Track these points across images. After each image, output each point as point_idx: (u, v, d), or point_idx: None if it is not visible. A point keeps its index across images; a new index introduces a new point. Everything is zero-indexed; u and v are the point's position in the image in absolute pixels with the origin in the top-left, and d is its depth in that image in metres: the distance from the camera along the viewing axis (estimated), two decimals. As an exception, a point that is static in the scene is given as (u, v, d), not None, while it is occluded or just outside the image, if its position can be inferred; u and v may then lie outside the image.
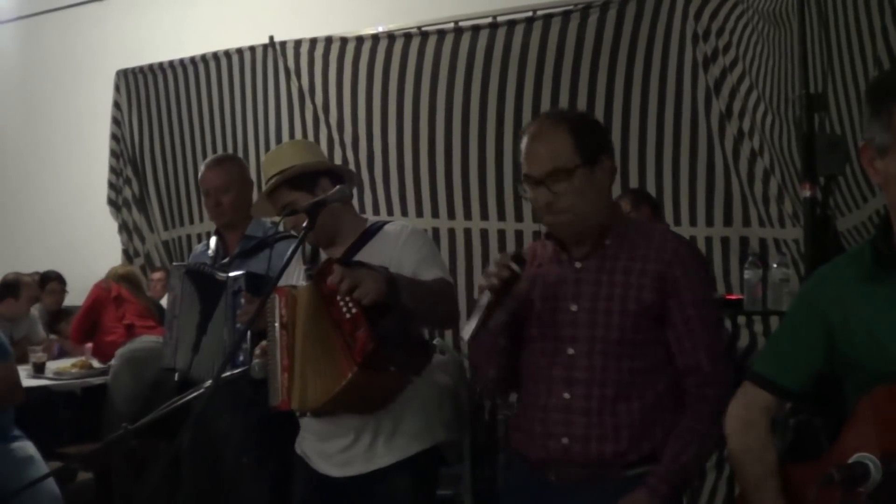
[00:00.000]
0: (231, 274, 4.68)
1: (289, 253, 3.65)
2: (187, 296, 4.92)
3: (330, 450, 3.92)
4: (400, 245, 3.86)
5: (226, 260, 4.97)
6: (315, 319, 3.58)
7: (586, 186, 3.17)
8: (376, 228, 4.00)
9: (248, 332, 4.34)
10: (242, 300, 4.59)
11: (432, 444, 3.94)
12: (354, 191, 4.61)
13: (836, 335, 2.68)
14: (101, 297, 8.21)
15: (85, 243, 10.69)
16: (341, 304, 3.47)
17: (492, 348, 3.36)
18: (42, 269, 10.28)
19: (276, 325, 3.66)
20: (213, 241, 5.13)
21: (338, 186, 3.87)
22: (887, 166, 2.53)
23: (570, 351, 3.20)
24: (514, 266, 3.12)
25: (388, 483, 3.84)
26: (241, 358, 4.54)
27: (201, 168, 5.19)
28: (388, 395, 3.75)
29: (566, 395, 3.19)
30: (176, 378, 5.01)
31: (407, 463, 3.85)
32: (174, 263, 5.33)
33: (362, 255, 3.87)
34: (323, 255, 4.03)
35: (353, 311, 3.45)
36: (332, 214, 3.88)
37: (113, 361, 7.78)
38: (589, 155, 3.18)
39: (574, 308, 3.23)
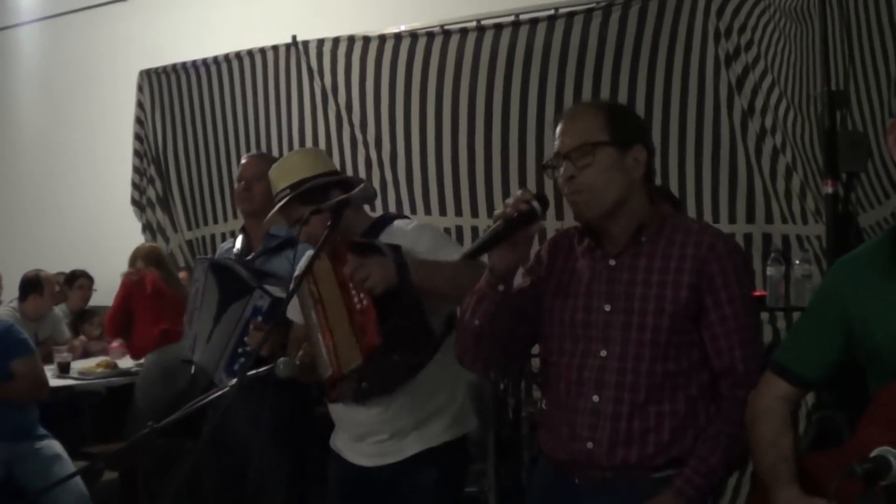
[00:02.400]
0: (262, 286, 4.71)
1: (304, 259, 3.71)
2: (209, 288, 4.96)
3: (364, 442, 3.97)
4: (410, 237, 3.86)
5: (250, 257, 5.00)
6: (336, 293, 3.64)
7: (612, 168, 3.08)
8: (385, 222, 4.03)
9: (242, 349, 4.47)
10: (259, 318, 4.64)
11: (459, 435, 3.97)
12: (378, 190, 4.61)
13: (855, 326, 2.70)
14: (132, 289, 8.16)
15: (108, 243, 10.71)
16: (353, 292, 3.53)
17: (490, 304, 3.13)
18: (66, 269, 10.32)
19: (311, 304, 3.73)
20: (238, 238, 5.18)
21: (361, 185, 3.91)
22: None
23: (603, 353, 3.10)
24: (535, 204, 3.00)
25: (415, 474, 3.87)
26: (236, 367, 4.62)
27: (242, 160, 5.27)
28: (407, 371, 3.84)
29: (595, 399, 3.09)
30: (192, 370, 5.07)
31: (434, 454, 3.88)
32: (198, 256, 5.35)
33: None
34: None
35: (364, 302, 3.50)
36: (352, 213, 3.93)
37: (144, 364, 7.78)
38: (620, 137, 3.10)
39: (608, 308, 3.12)
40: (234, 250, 5.14)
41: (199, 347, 4.96)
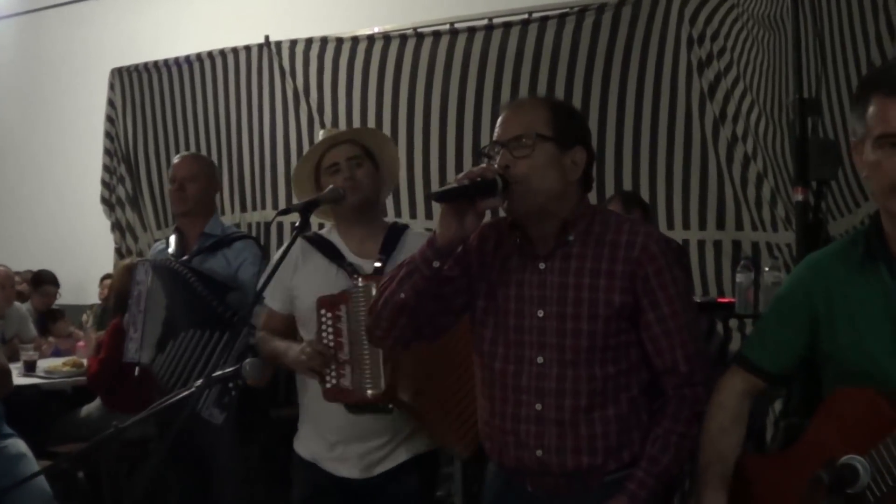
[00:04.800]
0: (248, 322, 4.61)
1: (278, 254, 3.65)
2: (154, 292, 4.94)
3: (349, 453, 3.91)
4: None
5: (185, 257, 5.00)
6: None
7: (548, 165, 3.00)
8: (399, 231, 4.03)
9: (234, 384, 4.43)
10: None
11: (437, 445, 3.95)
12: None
13: (819, 324, 2.75)
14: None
15: (77, 241, 10.68)
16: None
17: (420, 279, 3.05)
18: (33, 266, 10.26)
19: (328, 319, 3.73)
20: (172, 238, 5.19)
21: (331, 186, 3.89)
22: (866, 154, 2.56)
23: (539, 359, 3.04)
24: (499, 179, 2.90)
25: (401, 481, 3.84)
26: (226, 400, 4.56)
27: (175, 159, 5.29)
28: None
29: (538, 406, 3.04)
30: (136, 373, 5.04)
31: (419, 461, 3.88)
32: (138, 258, 5.38)
33: (395, 260, 3.77)
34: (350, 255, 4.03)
35: None
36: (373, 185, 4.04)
37: (90, 407, 7.53)
38: (562, 136, 3.02)
39: (541, 314, 3.05)
40: (169, 251, 5.14)
41: (146, 352, 4.94)
